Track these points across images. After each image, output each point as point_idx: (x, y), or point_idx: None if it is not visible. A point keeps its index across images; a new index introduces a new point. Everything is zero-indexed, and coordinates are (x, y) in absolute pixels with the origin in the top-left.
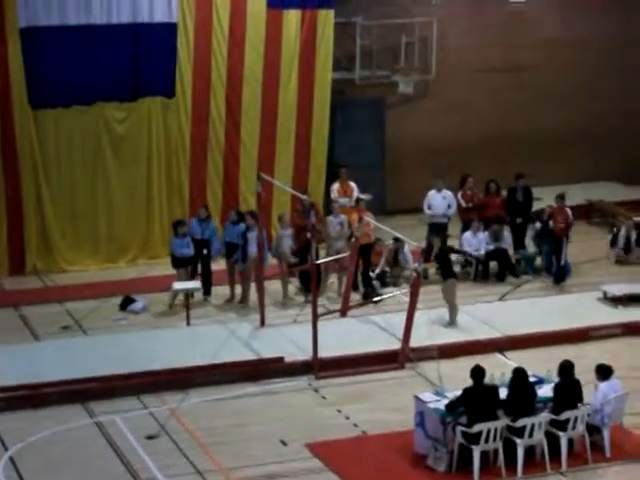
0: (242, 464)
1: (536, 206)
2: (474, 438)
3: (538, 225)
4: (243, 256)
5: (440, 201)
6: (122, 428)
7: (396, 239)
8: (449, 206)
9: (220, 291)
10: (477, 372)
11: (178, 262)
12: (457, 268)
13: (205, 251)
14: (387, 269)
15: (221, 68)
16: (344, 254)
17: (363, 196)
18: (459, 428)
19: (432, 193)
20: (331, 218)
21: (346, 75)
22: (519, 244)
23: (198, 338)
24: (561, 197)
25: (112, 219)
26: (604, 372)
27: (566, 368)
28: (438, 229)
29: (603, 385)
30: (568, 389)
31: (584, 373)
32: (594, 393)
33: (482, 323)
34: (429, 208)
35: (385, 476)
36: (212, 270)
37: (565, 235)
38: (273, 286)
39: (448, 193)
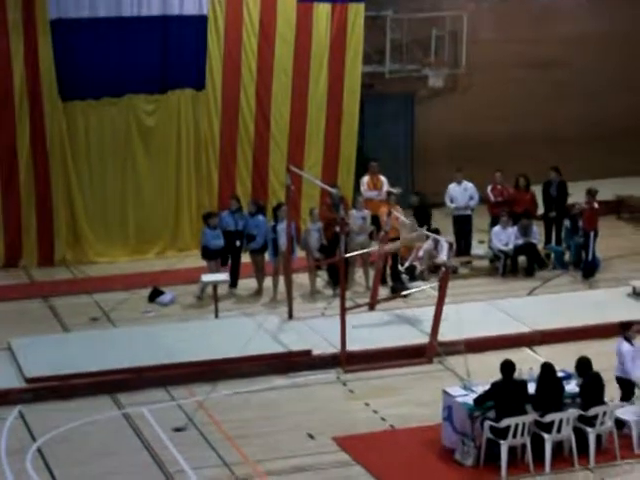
0: (269, 457)
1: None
2: (502, 433)
3: (567, 223)
4: (274, 249)
5: (461, 193)
6: (150, 420)
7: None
8: (471, 198)
9: (247, 284)
10: (507, 367)
11: (210, 253)
12: (486, 262)
13: (238, 243)
14: (417, 264)
15: (251, 61)
16: (367, 249)
17: (394, 190)
18: (487, 423)
19: (452, 186)
20: (354, 212)
21: (376, 69)
22: (551, 238)
23: (226, 330)
24: (590, 192)
25: (141, 211)
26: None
27: (583, 364)
28: (462, 222)
29: (625, 345)
30: (594, 385)
31: (613, 369)
32: (619, 352)
33: (511, 318)
34: (451, 201)
35: (412, 470)
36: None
37: (593, 229)
38: (301, 279)
39: (469, 185)
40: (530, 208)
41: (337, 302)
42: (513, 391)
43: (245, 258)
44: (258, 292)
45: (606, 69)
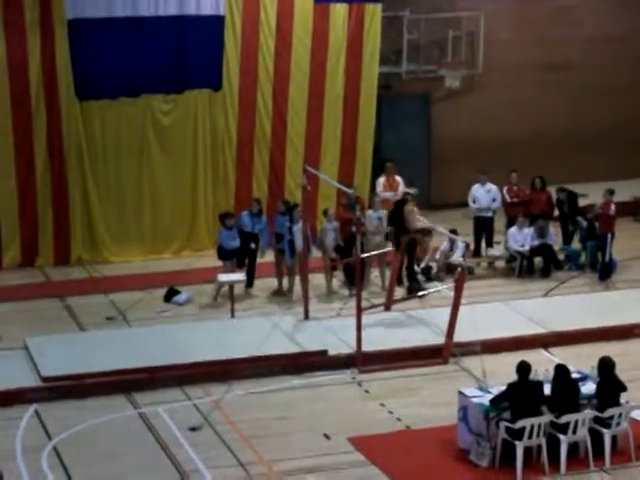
0: (284, 457)
1: (582, 202)
2: (517, 434)
3: (584, 224)
4: (291, 250)
5: (484, 194)
6: (165, 419)
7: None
8: (494, 199)
9: (263, 284)
10: (523, 368)
11: (226, 254)
12: (502, 263)
13: (253, 245)
14: (432, 264)
15: (268, 61)
16: (384, 249)
17: (410, 190)
18: (503, 423)
19: (476, 187)
20: (370, 212)
21: (393, 69)
22: (569, 240)
23: (242, 330)
24: (610, 192)
25: (157, 210)
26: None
27: (606, 366)
28: (483, 223)
29: None
30: (611, 386)
31: (629, 370)
32: None
33: (526, 319)
34: (474, 202)
35: (428, 470)
36: (257, 263)
37: (610, 231)
38: (317, 279)
39: (492, 187)
40: (546, 209)
41: (353, 302)
42: (529, 392)
43: (265, 258)
44: (277, 292)
45: (624, 70)
